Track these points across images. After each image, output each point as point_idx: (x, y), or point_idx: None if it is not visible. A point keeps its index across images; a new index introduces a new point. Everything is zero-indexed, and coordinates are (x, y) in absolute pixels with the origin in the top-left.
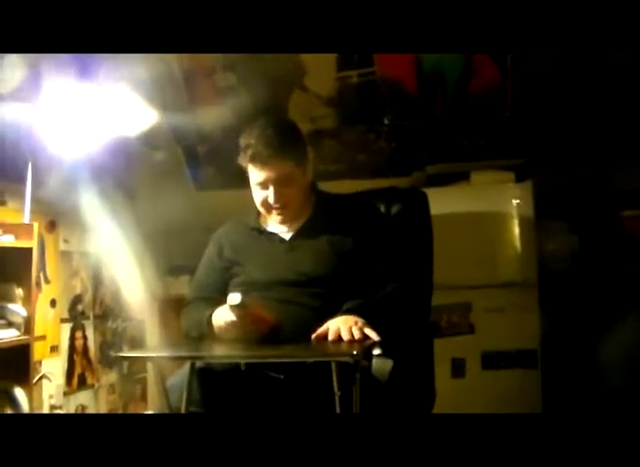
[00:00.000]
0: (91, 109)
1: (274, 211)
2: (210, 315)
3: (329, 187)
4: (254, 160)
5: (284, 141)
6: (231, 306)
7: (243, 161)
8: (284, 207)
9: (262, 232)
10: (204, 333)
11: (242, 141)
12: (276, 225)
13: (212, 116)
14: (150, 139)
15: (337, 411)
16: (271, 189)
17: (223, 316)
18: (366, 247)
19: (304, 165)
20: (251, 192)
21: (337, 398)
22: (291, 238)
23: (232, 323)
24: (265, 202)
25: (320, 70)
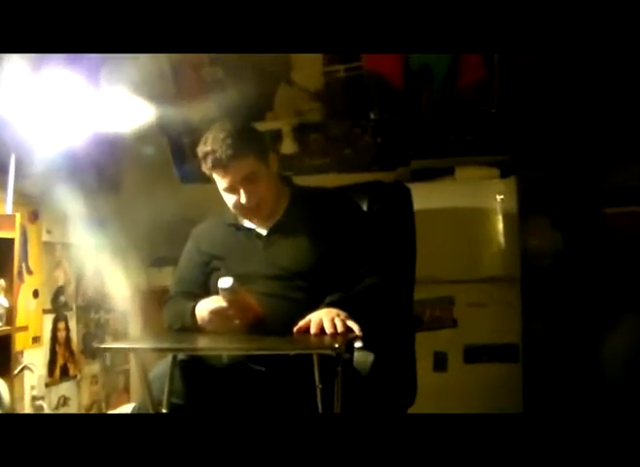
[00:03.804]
0: (77, 100)
1: (249, 213)
2: (193, 307)
3: (314, 181)
4: (215, 167)
5: (239, 140)
6: (222, 290)
7: (206, 170)
8: (258, 207)
9: (239, 228)
10: (187, 325)
11: (200, 151)
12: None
13: (199, 109)
14: (136, 131)
15: (319, 403)
16: (241, 191)
17: (207, 307)
18: (345, 241)
19: (266, 157)
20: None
21: (318, 391)
22: (268, 234)
23: (219, 310)
24: (238, 205)
25: (307, 64)
